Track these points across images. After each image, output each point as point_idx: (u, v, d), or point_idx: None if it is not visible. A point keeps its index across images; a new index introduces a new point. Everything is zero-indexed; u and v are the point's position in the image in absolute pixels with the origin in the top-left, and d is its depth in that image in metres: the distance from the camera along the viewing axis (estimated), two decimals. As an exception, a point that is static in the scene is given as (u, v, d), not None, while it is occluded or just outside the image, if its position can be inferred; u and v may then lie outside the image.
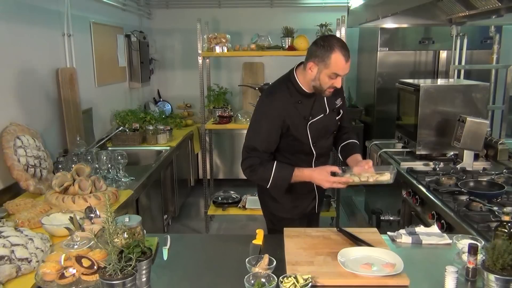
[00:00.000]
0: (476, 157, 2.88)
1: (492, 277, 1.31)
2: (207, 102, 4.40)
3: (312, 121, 2.00)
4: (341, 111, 2.14)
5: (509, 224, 1.58)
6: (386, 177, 1.92)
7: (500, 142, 2.92)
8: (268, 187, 1.98)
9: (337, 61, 1.84)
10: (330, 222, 4.06)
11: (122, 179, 2.76)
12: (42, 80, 2.91)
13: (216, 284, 1.50)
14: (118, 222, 1.45)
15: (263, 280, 1.39)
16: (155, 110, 4.95)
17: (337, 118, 2.11)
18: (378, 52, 4.73)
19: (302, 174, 1.94)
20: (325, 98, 2.02)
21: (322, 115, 2.02)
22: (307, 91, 1.98)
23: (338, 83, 1.90)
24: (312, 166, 2.06)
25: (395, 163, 3.00)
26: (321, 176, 1.90)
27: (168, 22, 5.55)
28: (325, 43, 1.86)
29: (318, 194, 2.20)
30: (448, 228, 2.10)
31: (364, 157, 2.19)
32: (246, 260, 1.50)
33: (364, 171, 1.90)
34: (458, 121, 2.80)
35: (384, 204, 3.30)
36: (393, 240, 1.81)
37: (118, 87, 4.42)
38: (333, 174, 1.89)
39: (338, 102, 2.10)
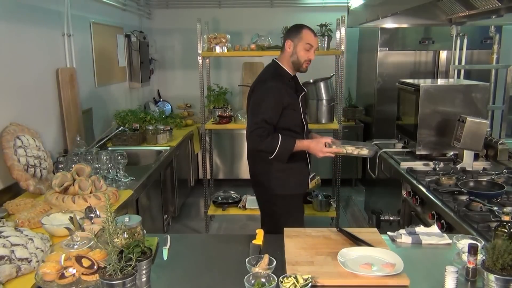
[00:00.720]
0: (476, 157, 2.88)
1: (492, 277, 1.31)
2: (207, 102, 4.40)
3: (300, 95, 2.46)
4: None
5: (509, 224, 1.58)
6: (365, 151, 2.31)
7: (500, 142, 2.92)
8: (272, 156, 2.28)
9: (308, 34, 2.37)
10: (330, 222, 4.06)
11: (122, 179, 2.76)
12: (42, 80, 2.91)
13: (216, 284, 1.50)
14: (118, 222, 1.45)
15: (263, 280, 1.39)
16: (155, 110, 4.95)
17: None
18: (378, 52, 4.73)
19: (302, 144, 2.32)
20: (298, 79, 2.55)
21: (303, 92, 2.52)
22: (290, 73, 2.45)
23: (311, 55, 2.38)
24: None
25: (395, 163, 3.00)
26: (317, 146, 2.29)
27: (168, 22, 5.55)
28: (295, 25, 2.46)
29: (310, 169, 2.58)
30: (448, 228, 2.10)
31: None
32: (246, 260, 1.50)
33: (346, 144, 2.34)
34: (458, 121, 2.80)
35: (384, 204, 3.30)
36: (393, 240, 1.81)
37: (118, 87, 4.42)
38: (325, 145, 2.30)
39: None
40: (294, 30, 2.38)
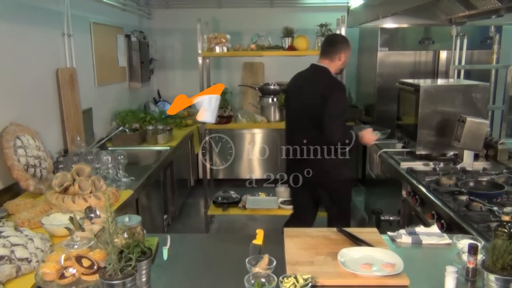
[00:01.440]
0: (476, 157, 2.88)
1: (492, 277, 1.31)
2: (207, 102, 4.39)
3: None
4: None
5: (509, 224, 1.58)
6: (383, 136, 3.15)
7: (500, 142, 2.92)
8: (350, 146, 2.71)
9: (350, 46, 2.86)
10: (330, 222, 4.06)
11: (122, 179, 2.76)
12: (42, 80, 2.91)
13: (216, 284, 1.50)
14: (118, 222, 1.45)
15: (263, 280, 1.39)
16: (155, 110, 4.95)
17: None
18: (378, 52, 4.73)
19: (359, 134, 2.81)
20: None
21: None
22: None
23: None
24: None
25: (395, 163, 3.00)
26: (368, 135, 2.86)
27: (168, 22, 5.55)
28: (344, 38, 2.93)
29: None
30: (448, 228, 2.10)
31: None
32: (246, 260, 1.50)
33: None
34: (458, 121, 2.80)
35: (384, 204, 3.30)
36: (393, 240, 1.81)
37: (118, 87, 4.42)
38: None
39: None
40: (345, 43, 2.81)
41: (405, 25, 4.05)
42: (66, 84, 3.11)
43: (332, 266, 1.54)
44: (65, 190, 2.27)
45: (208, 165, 4.36)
